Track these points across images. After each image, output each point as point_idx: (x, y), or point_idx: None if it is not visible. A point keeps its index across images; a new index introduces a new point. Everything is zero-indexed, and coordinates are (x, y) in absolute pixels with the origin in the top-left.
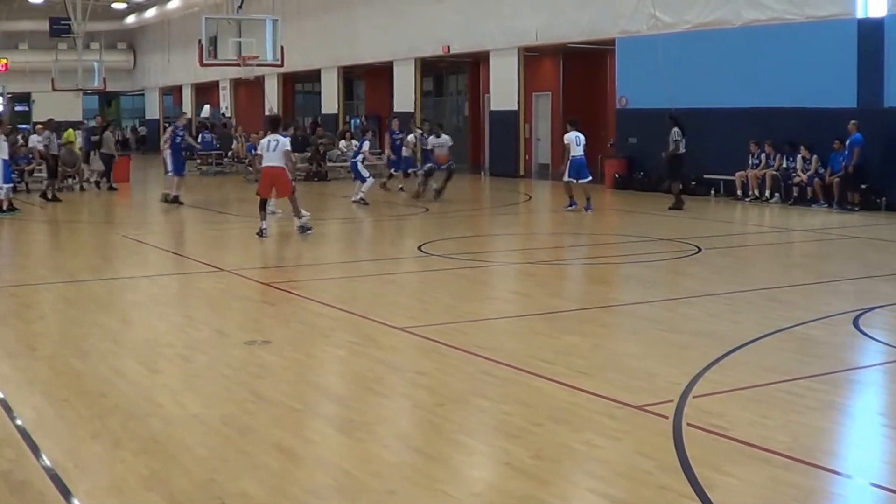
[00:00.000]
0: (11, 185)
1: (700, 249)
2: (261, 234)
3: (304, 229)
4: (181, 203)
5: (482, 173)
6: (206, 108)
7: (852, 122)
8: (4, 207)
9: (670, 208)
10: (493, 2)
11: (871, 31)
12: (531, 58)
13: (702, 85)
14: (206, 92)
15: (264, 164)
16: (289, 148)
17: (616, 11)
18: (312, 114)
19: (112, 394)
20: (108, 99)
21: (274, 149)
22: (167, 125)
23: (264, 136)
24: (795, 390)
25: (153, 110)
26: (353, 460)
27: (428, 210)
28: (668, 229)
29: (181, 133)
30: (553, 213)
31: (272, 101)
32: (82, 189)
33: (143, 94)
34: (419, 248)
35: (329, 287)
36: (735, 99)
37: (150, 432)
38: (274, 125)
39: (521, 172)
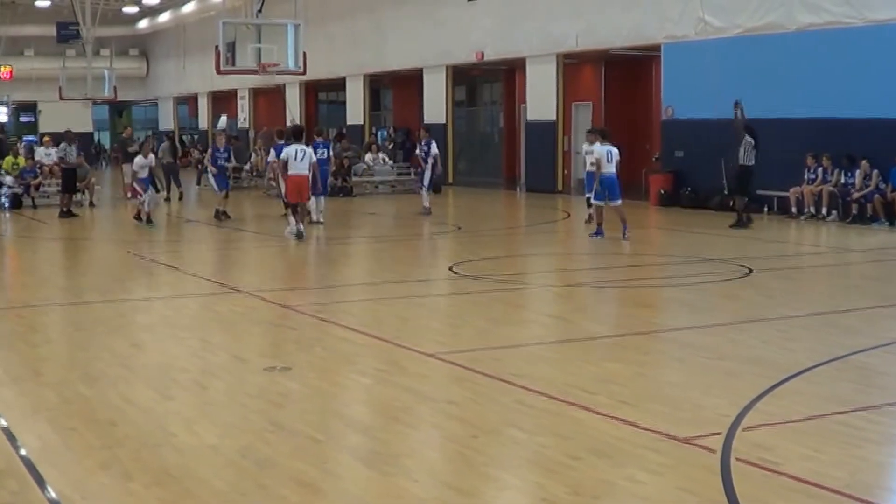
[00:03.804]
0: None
1: (751, 271)
2: (300, 236)
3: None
4: (229, 217)
5: (517, 189)
6: (223, 118)
7: None
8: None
9: (732, 226)
10: (530, 5)
11: None
12: (571, 65)
13: (753, 94)
14: (223, 101)
15: (292, 172)
16: (315, 160)
17: (662, 15)
18: (337, 125)
19: (122, 422)
20: (118, 109)
21: (301, 158)
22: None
23: (263, 148)
24: (853, 422)
25: (167, 121)
26: (379, 495)
27: (460, 228)
28: (717, 249)
29: (224, 155)
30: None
31: (294, 112)
32: (92, 204)
33: (156, 104)
34: (450, 268)
35: (354, 310)
36: (789, 109)
37: (162, 463)
38: (298, 135)
39: (560, 188)
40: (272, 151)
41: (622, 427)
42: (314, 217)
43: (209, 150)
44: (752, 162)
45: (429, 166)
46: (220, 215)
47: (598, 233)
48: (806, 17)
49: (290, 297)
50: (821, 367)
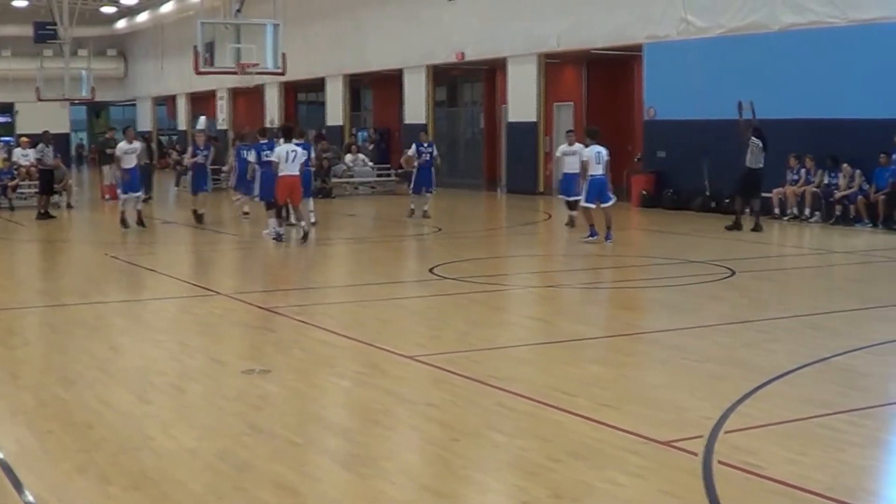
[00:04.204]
0: None
1: (734, 272)
2: (279, 238)
3: (306, 236)
4: (201, 220)
5: (498, 190)
6: (202, 119)
7: None
8: None
9: (729, 228)
10: (512, 5)
11: None
12: (552, 65)
13: (736, 94)
14: (202, 102)
15: (283, 172)
16: (305, 159)
17: (644, 15)
18: (316, 125)
19: (100, 425)
20: (96, 110)
21: (293, 159)
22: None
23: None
24: (836, 425)
25: (145, 122)
26: (358, 498)
27: (441, 230)
28: (699, 251)
29: (204, 153)
30: (575, 233)
31: (273, 112)
32: (70, 206)
33: (134, 105)
34: (431, 270)
35: (334, 312)
36: (772, 109)
37: (140, 467)
38: (287, 134)
39: (541, 189)
40: (252, 151)
41: (603, 429)
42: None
43: (189, 150)
44: (760, 164)
45: (431, 167)
46: (197, 217)
47: (592, 234)
48: (789, 17)
49: (269, 300)
50: (803, 369)
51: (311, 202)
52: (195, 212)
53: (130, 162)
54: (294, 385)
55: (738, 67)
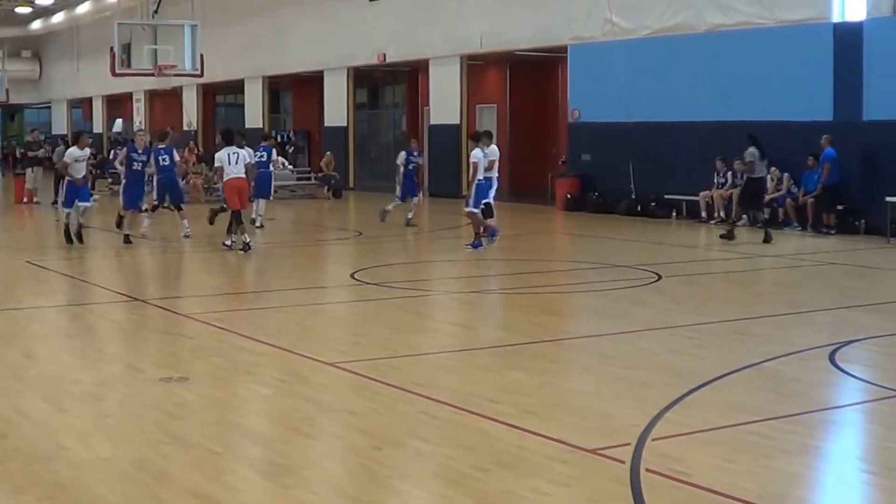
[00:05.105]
0: None
1: (660, 277)
2: (245, 248)
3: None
4: (130, 241)
5: (420, 193)
6: (119, 122)
7: (825, 136)
8: None
9: (723, 237)
10: (434, 5)
11: (848, 37)
12: (475, 67)
13: (662, 96)
14: (118, 105)
15: (229, 176)
16: (250, 161)
17: (568, 16)
18: (235, 128)
19: (14, 435)
20: (10, 112)
21: (235, 161)
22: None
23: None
24: (765, 432)
25: (60, 125)
26: None
27: (361, 234)
28: (625, 255)
29: (142, 158)
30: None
31: (191, 115)
32: None
33: (49, 107)
34: (352, 275)
35: (253, 318)
36: (699, 112)
37: (55, 477)
38: (228, 138)
39: (464, 193)
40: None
41: (528, 437)
42: (258, 222)
43: (123, 151)
44: (763, 173)
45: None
46: (126, 234)
47: (479, 243)
48: (716, 18)
49: (187, 306)
50: (732, 375)
51: (262, 203)
52: (125, 233)
53: (82, 170)
54: (213, 393)
55: (663, 69)
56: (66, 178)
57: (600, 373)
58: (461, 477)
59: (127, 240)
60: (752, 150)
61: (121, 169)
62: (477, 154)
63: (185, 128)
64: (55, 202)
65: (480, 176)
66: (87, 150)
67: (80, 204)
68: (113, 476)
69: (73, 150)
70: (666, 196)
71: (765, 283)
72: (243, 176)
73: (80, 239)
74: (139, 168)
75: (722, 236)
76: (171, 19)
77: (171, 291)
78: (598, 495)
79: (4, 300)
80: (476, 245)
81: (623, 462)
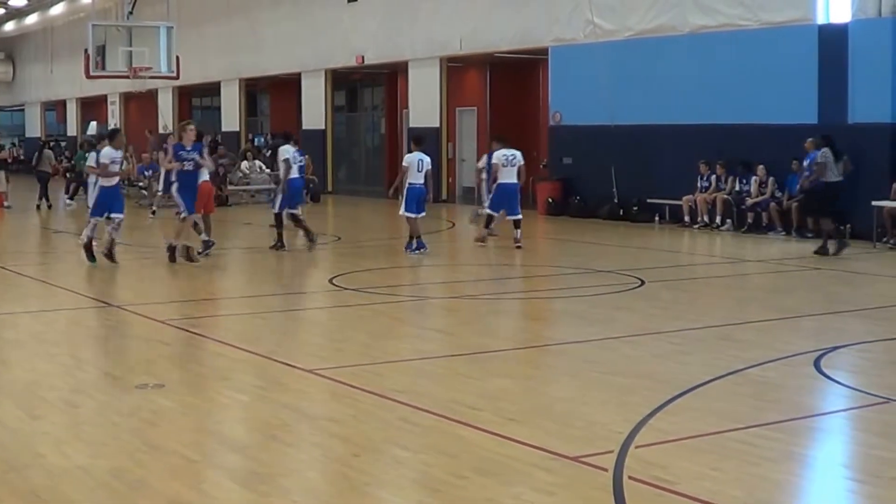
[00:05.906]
0: None
1: (643, 282)
2: (208, 246)
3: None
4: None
5: (400, 197)
6: (93, 125)
7: (809, 139)
8: None
9: (817, 252)
10: (414, 7)
11: (833, 39)
12: (455, 69)
13: (644, 99)
14: (93, 107)
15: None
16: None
17: (550, 17)
18: (212, 131)
19: None
20: None
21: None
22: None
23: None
24: (749, 439)
25: (34, 127)
26: None
27: (340, 239)
28: (608, 260)
29: (193, 156)
30: (481, 243)
31: (166, 118)
32: None
33: (23, 110)
34: (331, 280)
35: (231, 324)
36: (682, 114)
37: (29, 486)
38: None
39: (444, 197)
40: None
41: (510, 445)
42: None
43: (170, 151)
44: (839, 177)
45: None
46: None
47: (415, 247)
48: (699, 20)
49: (164, 311)
50: (716, 381)
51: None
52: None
53: (114, 180)
54: (190, 400)
55: (645, 71)
56: (98, 183)
57: (583, 379)
58: (441, 484)
59: (208, 245)
60: (824, 150)
61: (172, 166)
62: (410, 158)
63: (161, 131)
64: (39, 206)
65: (412, 180)
66: (121, 152)
67: (114, 216)
68: (89, 484)
69: (109, 151)
70: (648, 200)
71: (749, 288)
72: (207, 180)
73: (111, 257)
74: (191, 168)
75: (816, 252)
76: (147, 21)
77: (146, 297)
78: (581, 503)
79: None
80: (418, 248)
81: (606, 469)
